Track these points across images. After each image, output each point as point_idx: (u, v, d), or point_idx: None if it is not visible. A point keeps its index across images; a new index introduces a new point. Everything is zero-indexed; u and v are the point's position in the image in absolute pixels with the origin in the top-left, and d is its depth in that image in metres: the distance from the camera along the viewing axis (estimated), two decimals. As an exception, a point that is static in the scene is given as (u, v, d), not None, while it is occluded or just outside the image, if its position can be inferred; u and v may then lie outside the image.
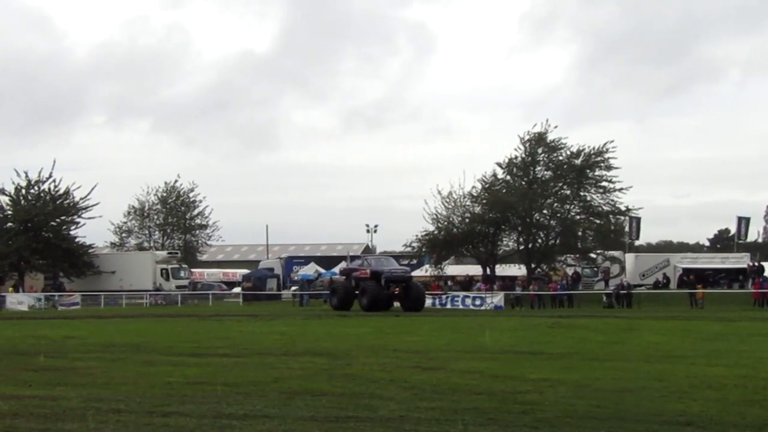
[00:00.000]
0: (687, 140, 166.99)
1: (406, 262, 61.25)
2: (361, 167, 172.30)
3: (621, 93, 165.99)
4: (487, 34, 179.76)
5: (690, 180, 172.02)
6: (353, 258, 58.94)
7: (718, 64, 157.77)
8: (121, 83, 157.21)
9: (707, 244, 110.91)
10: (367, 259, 52.25)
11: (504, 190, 59.09)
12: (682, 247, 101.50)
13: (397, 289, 46.40)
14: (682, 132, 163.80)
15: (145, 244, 77.69)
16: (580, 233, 59.72)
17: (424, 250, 61.58)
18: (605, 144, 57.60)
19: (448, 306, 52.20)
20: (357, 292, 47.02)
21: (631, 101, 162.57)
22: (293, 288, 64.81)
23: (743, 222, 70.26)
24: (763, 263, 59.46)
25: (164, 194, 78.09)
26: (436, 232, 60.17)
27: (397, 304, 47.03)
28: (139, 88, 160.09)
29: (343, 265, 60.64)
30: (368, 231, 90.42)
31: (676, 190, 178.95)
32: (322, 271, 67.76)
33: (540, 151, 59.00)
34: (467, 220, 60.20)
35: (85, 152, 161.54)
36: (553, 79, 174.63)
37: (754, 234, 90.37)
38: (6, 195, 67.80)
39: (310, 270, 69.40)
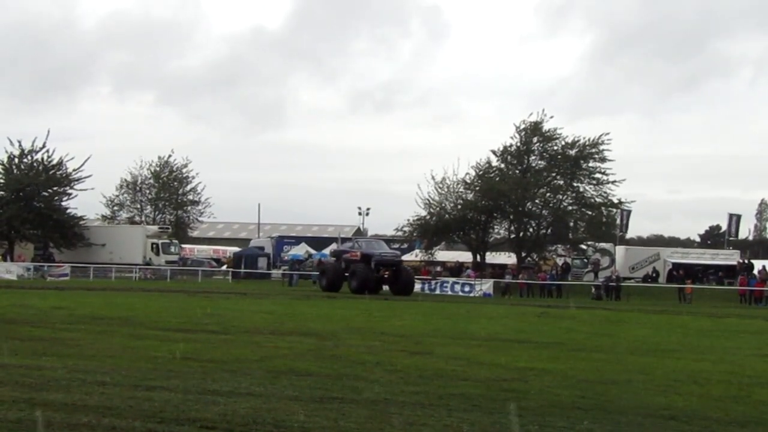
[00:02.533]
0: (692, 136, 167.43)
1: (396, 246, 61.25)
2: (363, 149, 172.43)
3: (632, 86, 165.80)
4: (502, 21, 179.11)
5: (688, 176, 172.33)
6: (344, 240, 58.93)
7: (733, 61, 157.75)
8: (131, 54, 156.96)
9: (699, 240, 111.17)
10: (358, 242, 52.22)
11: (497, 178, 59.02)
12: (673, 242, 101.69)
13: (386, 272, 46.41)
14: (689, 128, 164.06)
15: (137, 218, 77.48)
16: (571, 224, 59.79)
17: (415, 234, 61.59)
18: (600, 136, 57.68)
19: (437, 291, 52.26)
20: (347, 274, 46.99)
21: (642, 95, 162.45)
22: (283, 268, 64.72)
23: (734, 219, 70.45)
24: (752, 261, 59.62)
25: (157, 169, 77.83)
26: (428, 217, 60.16)
27: (386, 287, 47.05)
28: (149, 60, 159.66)
29: (333, 246, 60.67)
30: (360, 214, 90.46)
31: (672, 185, 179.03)
32: (313, 251, 67.71)
33: (535, 140, 58.99)
34: (459, 207, 60.19)
35: (89, 122, 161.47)
36: (565, 69, 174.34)
37: (745, 232, 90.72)
38: (-2, 163, 67.66)
39: (301, 250, 69.34)
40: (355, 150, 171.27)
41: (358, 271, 45.90)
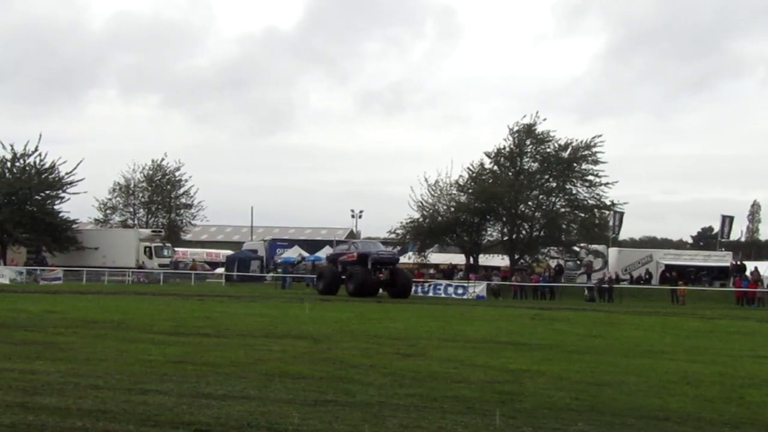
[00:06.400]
0: (698, 136, 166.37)
1: (390, 248, 61.18)
2: (368, 152, 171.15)
3: (645, 86, 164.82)
4: (517, 21, 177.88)
5: (688, 176, 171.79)
6: (338, 243, 58.83)
7: (746, 61, 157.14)
8: (141, 57, 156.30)
9: (691, 241, 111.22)
10: (354, 243, 52.17)
11: (490, 180, 59.07)
12: (666, 244, 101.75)
13: (383, 274, 46.21)
14: (695, 128, 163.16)
15: (130, 222, 77.41)
16: (564, 226, 59.78)
17: (408, 237, 61.55)
18: (593, 138, 57.82)
19: (431, 294, 52.28)
20: (343, 277, 46.86)
21: (653, 95, 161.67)
22: (276, 270, 64.68)
23: (727, 220, 70.53)
24: (745, 262, 59.71)
25: (150, 172, 77.76)
26: (420, 219, 60.16)
27: (382, 290, 46.90)
28: (158, 62, 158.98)
29: (328, 250, 60.63)
30: (353, 216, 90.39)
31: (671, 185, 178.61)
32: (306, 254, 67.67)
33: (528, 142, 59.06)
34: (452, 209, 60.17)
35: (94, 125, 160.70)
36: (578, 69, 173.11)
37: (737, 233, 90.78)
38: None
39: (294, 253, 69.29)
40: (357, 153, 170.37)
41: (356, 274, 45.70)
